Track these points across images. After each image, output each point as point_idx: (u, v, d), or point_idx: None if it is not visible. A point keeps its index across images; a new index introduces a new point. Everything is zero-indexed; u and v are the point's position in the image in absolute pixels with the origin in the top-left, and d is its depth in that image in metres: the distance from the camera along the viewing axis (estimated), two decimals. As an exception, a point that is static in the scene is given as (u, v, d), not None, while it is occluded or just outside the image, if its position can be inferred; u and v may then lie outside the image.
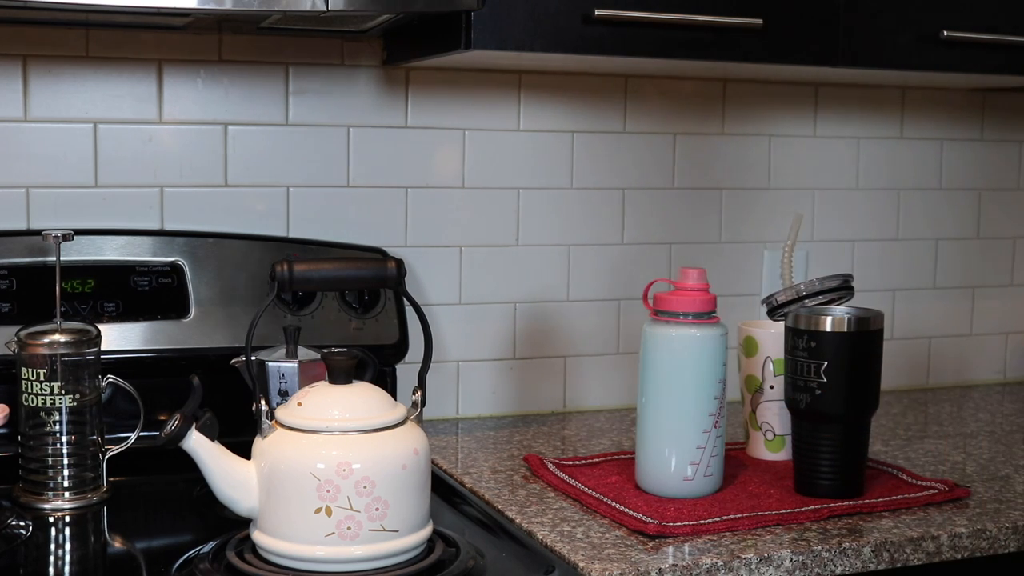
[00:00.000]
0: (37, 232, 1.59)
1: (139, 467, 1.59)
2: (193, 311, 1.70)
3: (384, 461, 1.22)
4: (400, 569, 1.24)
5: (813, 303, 1.60)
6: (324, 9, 1.45)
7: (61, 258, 1.55)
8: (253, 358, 1.43)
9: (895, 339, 2.24)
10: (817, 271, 2.19)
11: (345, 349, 1.38)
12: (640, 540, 1.38)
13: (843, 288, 1.62)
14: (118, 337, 1.65)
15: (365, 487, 1.20)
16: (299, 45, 1.83)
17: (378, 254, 1.81)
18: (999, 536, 1.45)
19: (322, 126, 1.86)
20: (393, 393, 1.77)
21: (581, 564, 1.30)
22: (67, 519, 1.47)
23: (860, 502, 1.50)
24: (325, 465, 1.20)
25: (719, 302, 1.54)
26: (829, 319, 1.50)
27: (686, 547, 1.35)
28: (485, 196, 1.96)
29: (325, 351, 1.34)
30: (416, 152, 1.91)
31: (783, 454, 1.68)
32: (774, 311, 1.63)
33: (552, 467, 1.64)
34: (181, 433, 1.24)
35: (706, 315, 1.51)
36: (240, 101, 1.82)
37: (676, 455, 1.50)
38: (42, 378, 1.47)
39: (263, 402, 1.26)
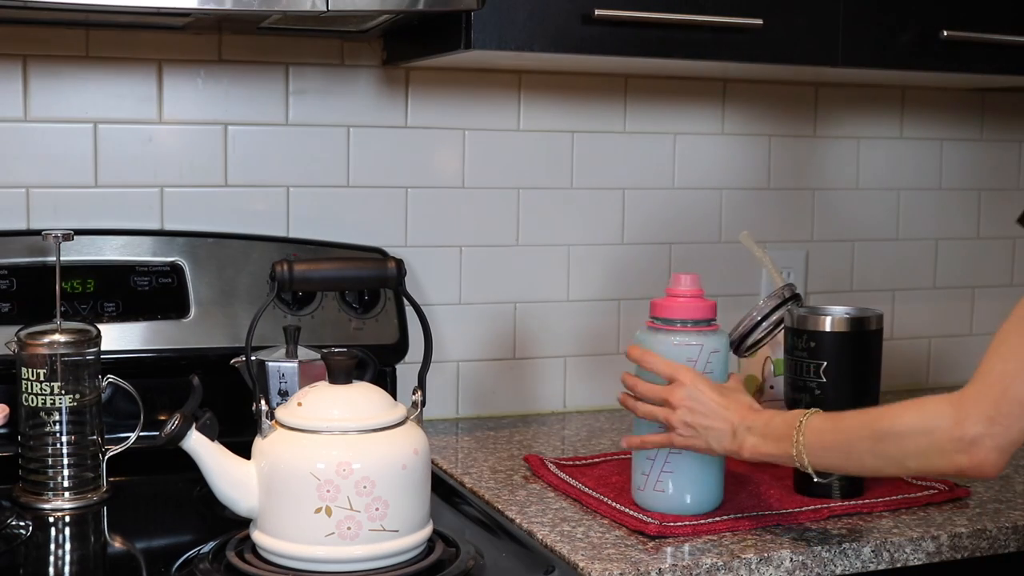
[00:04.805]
0: (37, 232, 1.59)
1: (139, 467, 1.59)
2: (193, 311, 1.69)
3: (384, 461, 1.22)
4: (400, 569, 1.24)
5: (768, 324, 1.60)
6: (324, 9, 1.45)
7: (61, 258, 1.55)
8: (253, 358, 1.43)
9: (895, 339, 2.24)
10: (817, 271, 2.19)
11: (345, 349, 1.38)
12: (640, 540, 1.38)
13: (790, 299, 1.61)
14: (118, 337, 1.64)
15: (365, 487, 1.20)
16: (299, 45, 1.83)
17: (378, 254, 1.81)
18: (999, 536, 1.45)
19: (322, 126, 1.86)
20: (393, 393, 1.77)
21: (581, 564, 1.30)
22: (67, 519, 1.47)
23: (860, 502, 1.50)
24: (325, 465, 1.20)
25: (718, 302, 1.53)
26: (829, 319, 1.50)
27: (686, 547, 1.35)
28: (485, 196, 1.96)
29: (325, 351, 1.34)
30: (416, 152, 1.91)
31: (783, 454, 1.68)
32: (739, 347, 1.62)
33: (552, 467, 1.64)
34: (181, 433, 1.24)
35: (705, 322, 1.45)
36: (240, 101, 1.82)
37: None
38: (42, 378, 1.47)
39: (263, 402, 1.26)
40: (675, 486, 1.44)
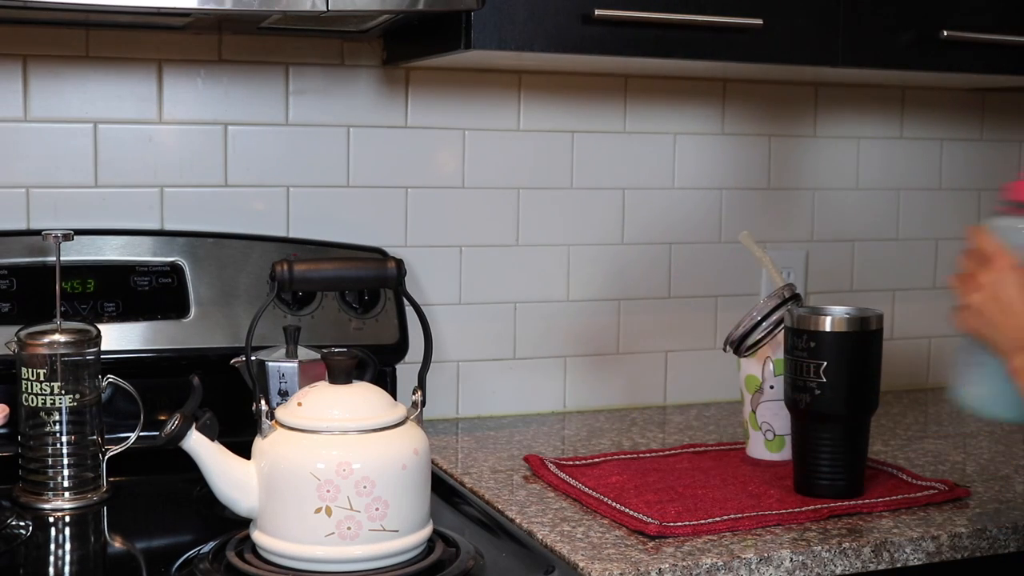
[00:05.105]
0: (37, 232, 1.59)
1: (139, 467, 1.59)
2: (193, 311, 1.69)
3: (384, 461, 1.22)
4: (400, 569, 1.24)
5: (768, 323, 1.60)
6: (324, 9, 1.45)
7: (61, 258, 1.55)
8: (253, 358, 1.43)
9: (895, 339, 2.24)
10: (817, 271, 2.19)
11: (345, 349, 1.38)
12: (640, 540, 1.38)
13: (790, 299, 1.61)
14: (118, 337, 1.65)
15: (365, 487, 1.20)
16: (299, 45, 1.83)
17: (378, 254, 1.81)
18: (999, 536, 1.45)
19: (322, 126, 1.86)
20: (393, 393, 1.77)
21: (581, 564, 1.30)
22: (67, 519, 1.47)
23: (860, 502, 1.50)
24: (325, 465, 1.20)
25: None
26: (829, 319, 1.50)
27: (686, 547, 1.35)
28: (485, 196, 1.96)
29: (325, 351, 1.34)
30: (416, 152, 1.91)
31: (783, 454, 1.68)
32: (739, 347, 1.62)
33: (552, 467, 1.64)
34: (181, 433, 1.24)
35: None
36: (240, 101, 1.82)
37: None
38: (42, 378, 1.47)
39: (263, 402, 1.26)
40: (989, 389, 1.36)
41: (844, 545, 1.37)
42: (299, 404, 1.26)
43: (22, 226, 1.72)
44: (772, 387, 1.68)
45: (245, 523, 1.29)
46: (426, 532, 1.28)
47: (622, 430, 1.92)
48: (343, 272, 1.38)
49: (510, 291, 1.99)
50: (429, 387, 1.37)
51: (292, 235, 1.85)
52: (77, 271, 1.66)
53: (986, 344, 1.31)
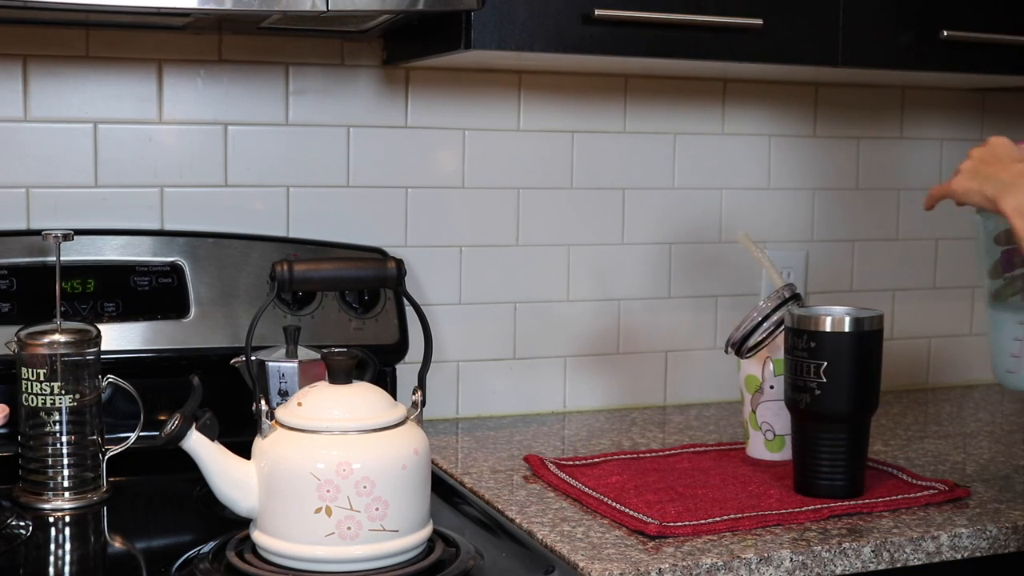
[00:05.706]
0: (37, 232, 1.59)
1: (139, 467, 1.59)
2: (193, 311, 1.70)
3: (384, 461, 1.22)
4: (400, 569, 1.24)
5: (768, 324, 1.61)
6: (324, 9, 1.45)
7: (61, 258, 1.55)
8: (253, 358, 1.43)
9: (895, 339, 2.24)
10: (817, 271, 2.19)
11: (345, 349, 1.38)
12: (640, 540, 1.38)
13: (790, 299, 1.62)
14: (118, 337, 1.65)
15: (365, 487, 1.21)
16: (299, 45, 1.83)
17: (378, 254, 1.81)
18: (999, 536, 1.45)
19: (322, 126, 1.86)
20: (393, 393, 1.77)
21: (581, 564, 1.30)
22: (67, 519, 1.47)
23: (860, 502, 1.50)
24: (325, 465, 1.20)
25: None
26: (829, 319, 1.50)
27: (686, 547, 1.35)
28: (485, 196, 1.96)
29: (325, 351, 1.34)
30: (416, 152, 1.91)
31: (783, 454, 1.68)
32: (740, 348, 1.63)
33: (552, 467, 1.64)
34: (181, 433, 1.24)
35: None
36: (240, 101, 1.82)
37: None
38: (42, 378, 1.47)
39: (263, 402, 1.26)
40: None
41: (844, 545, 1.38)
42: (299, 404, 1.26)
43: (22, 226, 1.72)
44: (772, 387, 1.68)
45: (245, 523, 1.29)
46: (426, 532, 1.28)
47: (622, 430, 1.92)
48: (343, 272, 1.38)
49: (510, 291, 1.99)
50: (429, 387, 1.37)
51: (292, 235, 1.85)
52: (77, 271, 1.66)
53: (975, 199, 1.34)
